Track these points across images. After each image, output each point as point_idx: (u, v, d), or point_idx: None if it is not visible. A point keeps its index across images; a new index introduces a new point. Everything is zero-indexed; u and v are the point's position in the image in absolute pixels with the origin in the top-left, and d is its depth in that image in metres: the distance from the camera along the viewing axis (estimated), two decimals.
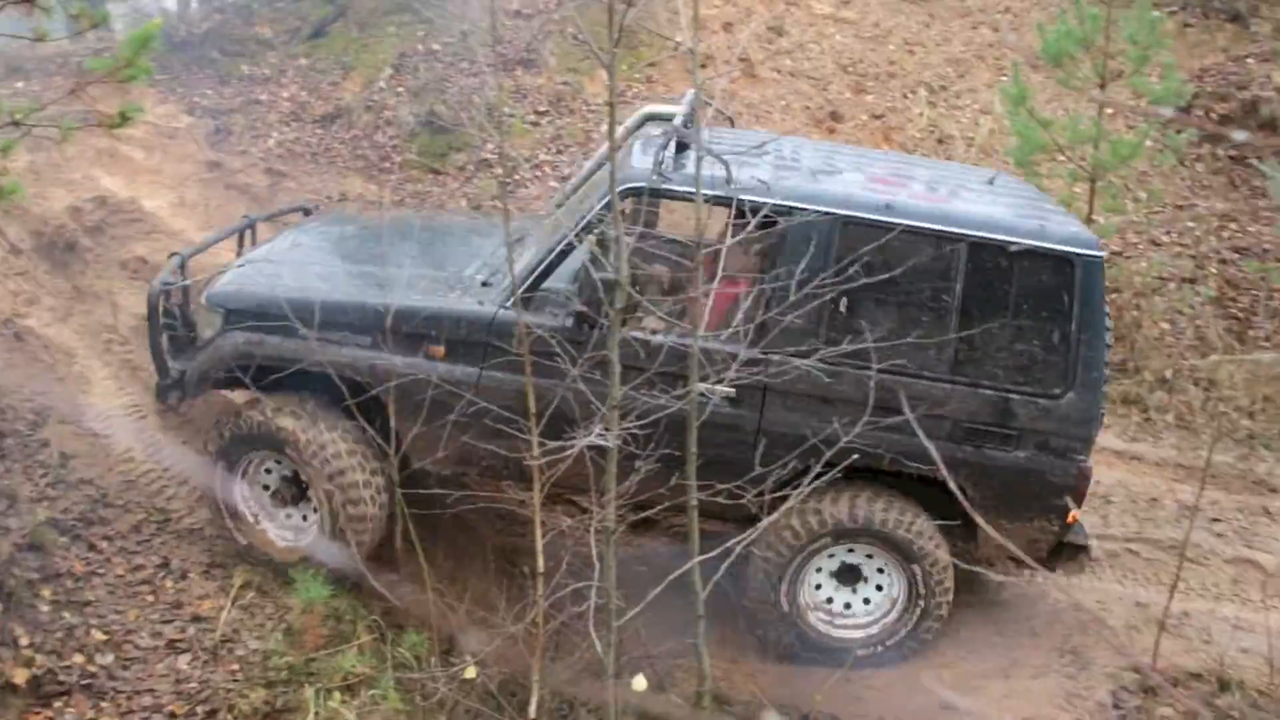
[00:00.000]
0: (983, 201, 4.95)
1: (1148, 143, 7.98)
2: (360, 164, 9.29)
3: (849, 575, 4.92)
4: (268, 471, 5.07)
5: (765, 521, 4.19)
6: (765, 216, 4.44)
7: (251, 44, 10.31)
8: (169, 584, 4.86)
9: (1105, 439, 6.16)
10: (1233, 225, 8.72)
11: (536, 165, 9.33)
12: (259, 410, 4.85)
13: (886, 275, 4.44)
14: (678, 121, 4.94)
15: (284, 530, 5.08)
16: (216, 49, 10.08)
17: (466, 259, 5.24)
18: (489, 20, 9.51)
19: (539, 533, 3.91)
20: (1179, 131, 8.12)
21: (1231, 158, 9.19)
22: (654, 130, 5.37)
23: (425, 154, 9.35)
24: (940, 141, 9.39)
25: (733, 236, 4.16)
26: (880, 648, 4.86)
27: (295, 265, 5.23)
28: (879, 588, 4.90)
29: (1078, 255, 4.51)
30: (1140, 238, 8.69)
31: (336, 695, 4.42)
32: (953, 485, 3.24)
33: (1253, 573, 5.24)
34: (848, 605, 4.93)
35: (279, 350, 4.74)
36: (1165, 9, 9.21)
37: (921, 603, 4.78)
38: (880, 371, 4.39)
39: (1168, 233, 8.75)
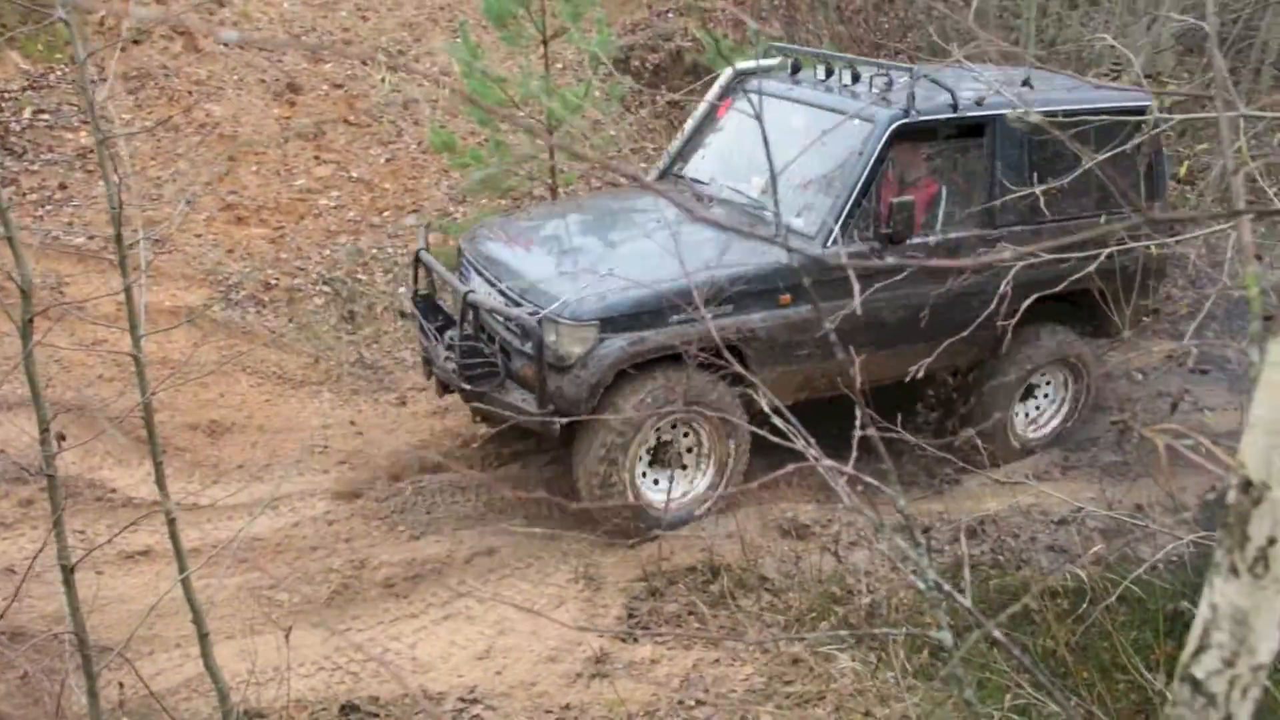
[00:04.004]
0: (1057, 85, 6.27)
1: (595, 93, 8.53)
2: None
3: (1027, 393, 6.54)
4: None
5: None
6: (965, 129, 5.78)
7: None
8: None
9: None
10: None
11: None
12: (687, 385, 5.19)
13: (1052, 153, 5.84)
14: (769, 68, 6.48)
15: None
16: None
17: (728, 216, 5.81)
18: None
19: None
20: (618, 82, 8.80)
21: (670, 103, 10.16)
22: (849, 77, 6.09)
23: None
24: (405, 106, 9.37)
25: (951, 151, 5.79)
26: (1057, 436, 6.61)
27: (617, 264, 5.43)
28: (1045, 396, 6.62)
29: (1147, 106, 5.94)
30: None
31: None
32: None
33: None
34: (1027, 414, 6.60)
35: (663, 341, 5.15)
36: None
37: (1082, 400, 6.62)
38: (1063, 220, 5.95)
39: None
